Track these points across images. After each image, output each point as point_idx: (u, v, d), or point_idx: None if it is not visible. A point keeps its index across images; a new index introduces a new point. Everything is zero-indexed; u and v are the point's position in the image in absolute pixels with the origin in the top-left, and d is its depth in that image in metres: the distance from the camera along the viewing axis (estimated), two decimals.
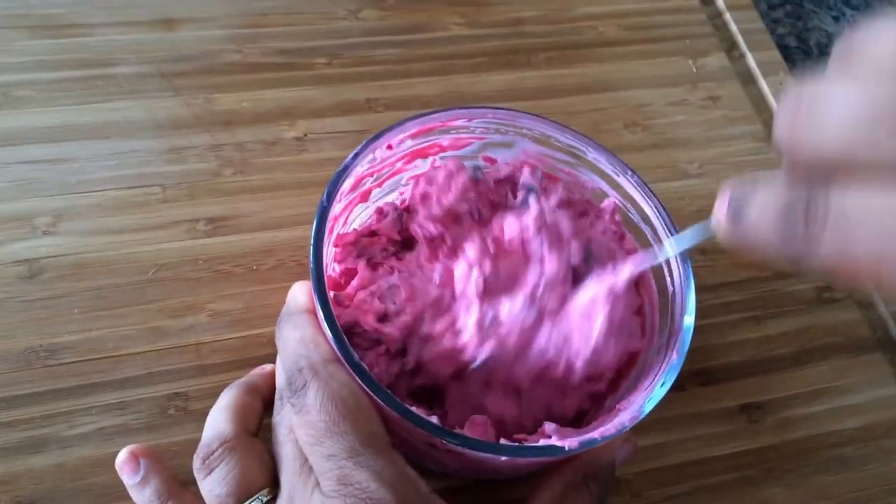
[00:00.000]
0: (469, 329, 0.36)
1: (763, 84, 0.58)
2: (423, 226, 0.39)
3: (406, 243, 0.41)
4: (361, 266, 0.39)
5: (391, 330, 0.36)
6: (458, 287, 0.37)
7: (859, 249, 0.19)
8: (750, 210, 0.22)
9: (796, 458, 0.44)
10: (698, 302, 0.37)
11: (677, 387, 0.34)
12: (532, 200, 0.39)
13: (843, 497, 0.43)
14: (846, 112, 0.19)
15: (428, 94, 0.53)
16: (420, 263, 0.39)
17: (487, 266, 0.37)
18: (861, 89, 0.19)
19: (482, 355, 0.35)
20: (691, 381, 0.45)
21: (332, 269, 0.39)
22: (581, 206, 0.42)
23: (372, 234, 0.41)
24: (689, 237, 0.34)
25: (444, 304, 0.37)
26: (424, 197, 0.40)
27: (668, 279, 0.38)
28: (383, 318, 0.37)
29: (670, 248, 0.36)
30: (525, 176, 0.41)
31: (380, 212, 0.41)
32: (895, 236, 0.18)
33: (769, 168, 0.55)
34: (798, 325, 0.48)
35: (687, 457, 0.43)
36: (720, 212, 0.23)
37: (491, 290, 0.37)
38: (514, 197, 0.42)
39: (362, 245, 0.40)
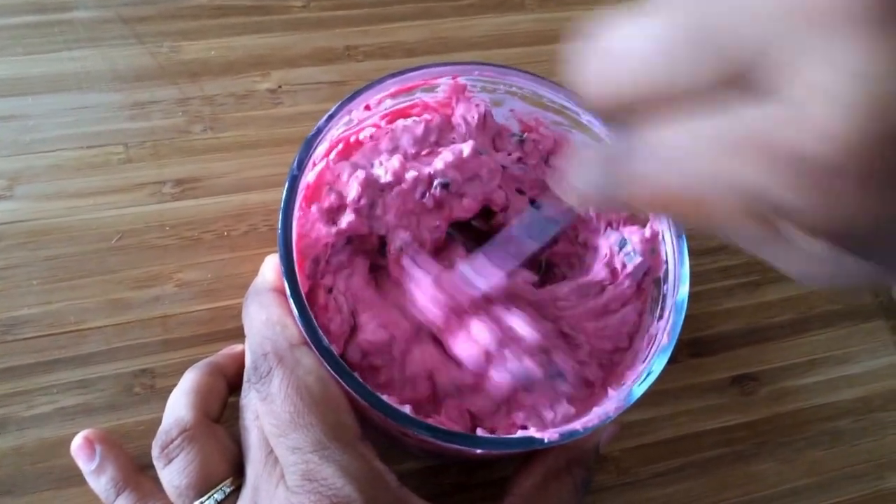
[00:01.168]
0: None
1: None
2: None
3: None
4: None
5: (349, 220, 0.34)
6: None
7: (675, 183, 0.19)
8: (577, 178, 0.22)
9: (789, 432, 0.42)
10: (694, 267, 0.35)
11: (669, 359, 0.32)
12: None
13: (836, 472, 0.42)
14: (637, 48, 0.18)
15: (411, 41, 0.49)
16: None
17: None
18: (651, 22, 0.18)
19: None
20: (683, 353, 0.43)
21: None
22: None
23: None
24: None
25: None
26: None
27: (661, 254, 0.36)
28: (335, 213, 0.35)
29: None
30: None
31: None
32: (705, 161, 0.17)
33: None
34: (798, 291, 0.46)
35: (676, 432, 0.41)
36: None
37: None
38: None
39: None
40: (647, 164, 0.19)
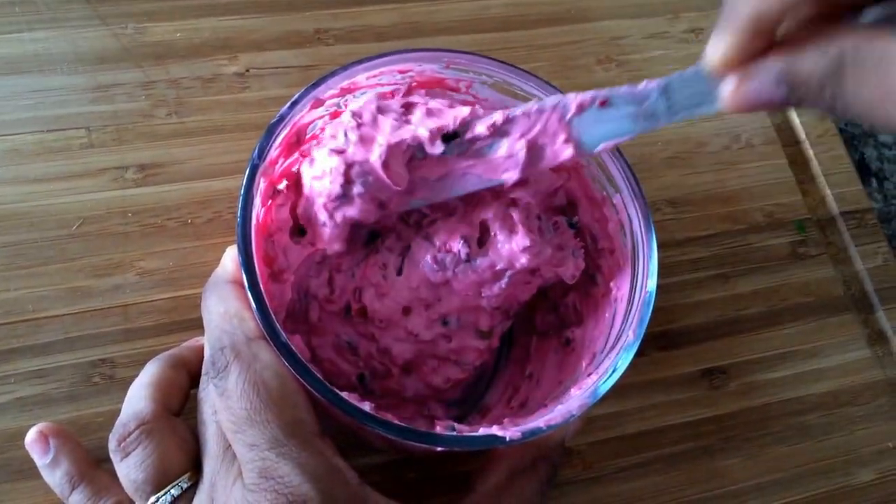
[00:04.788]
0: None
1: None
2: None
3: None
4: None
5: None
6: None
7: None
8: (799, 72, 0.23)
9: (757, 427, 0.42)
10: (664, 259, 0.34)
11: (636, 352, 0.32)
12: None
13: (802, 468, 0.42)
14: None
15: (382, 25, 0.48)
16: None
17: None
18: None
19: None
20: (651, 346, 0.43)
21: None
22: None
23: None
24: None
25: None
26: None
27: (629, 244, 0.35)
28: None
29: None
30: None
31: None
32: None
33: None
34: (769, 283, 0.46)
35: (643, 426, 0.41)
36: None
37: None
38: None
39: None
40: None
